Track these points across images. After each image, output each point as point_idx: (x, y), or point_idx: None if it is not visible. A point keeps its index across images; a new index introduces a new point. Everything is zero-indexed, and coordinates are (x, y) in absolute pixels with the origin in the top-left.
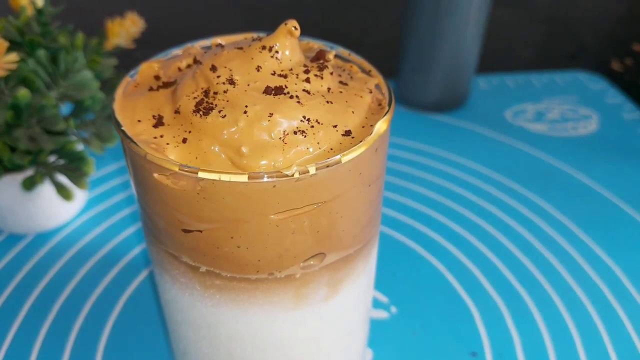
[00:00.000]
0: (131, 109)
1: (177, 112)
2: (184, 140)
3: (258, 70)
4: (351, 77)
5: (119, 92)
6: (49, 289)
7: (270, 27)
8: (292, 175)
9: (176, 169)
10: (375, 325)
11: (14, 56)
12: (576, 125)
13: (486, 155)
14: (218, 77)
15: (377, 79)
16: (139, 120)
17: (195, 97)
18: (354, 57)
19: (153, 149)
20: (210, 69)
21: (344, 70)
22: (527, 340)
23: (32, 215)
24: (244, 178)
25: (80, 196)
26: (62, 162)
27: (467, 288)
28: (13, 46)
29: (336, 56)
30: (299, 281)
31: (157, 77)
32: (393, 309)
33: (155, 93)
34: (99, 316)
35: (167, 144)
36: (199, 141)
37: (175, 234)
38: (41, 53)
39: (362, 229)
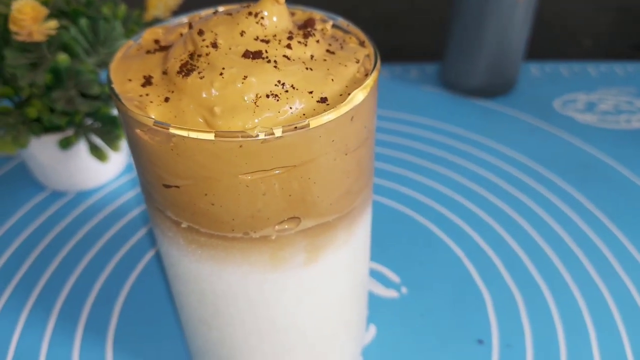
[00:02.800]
0: (125, 69)
1: (164, 73)
2: (166, 99)
3: (242, 35)
4: (341, 47)
5: (119, 54)
6: (82, 243)
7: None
8: (257, 136)
9: (151, 124)
10: (383, 304)
11: (53, 23)
12: (630, 118)
13: (526, 143)
14: (203, 40)
15: (369, 49)
16: (130, 80)
17: (181, 60)
18: (352, 28)
19: (135, 106)
20: (198, 33)
21: (337, 40)
22: (539, 335)
23: (73, 174)
24: (210, 136)
25: (120, 159)
26: (96, 124)
27: (484, 275)
28: (59, 14)
29: (335, 26)
30: (275, 243)
31: (157, 42)
32: (404, 289)
33: (152, 56)
34: (122, 273)
35: (151, 102)
36: (179, 101)
37: (159, 189)
38: (83, 22)
39: (340, 198)
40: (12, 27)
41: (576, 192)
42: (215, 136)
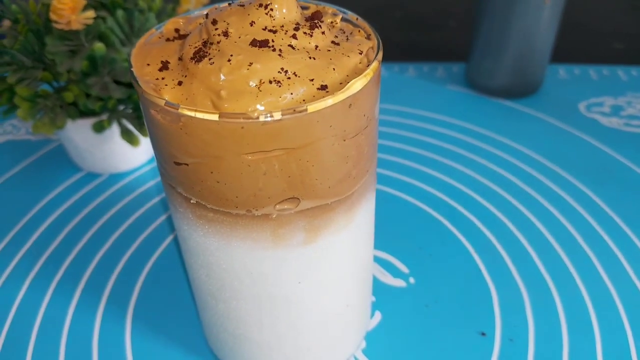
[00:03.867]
0: (145, 54)
1: (180, 59)
2: (180, 83)
3: (251, 25)
4: (347, 39)
5: (141, 41)
6: (112, 221)
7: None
8: (257, 118)
9: (162, 104)
10: (390, 292)
11: (90, 13)
12: None
13: (546, 144)
14: (216, 29)
15: (373, 42)
16: (148, 64)
17: (195, 47)
18: (361, 21)
19: (152, 88)
20: (212, 23)
21: (344, 32)
22: (542, 331)
23: (106, 157)
24: (215, 117)
25: (150, 145)
26: (128, 110)
27: (492, 271)
28: (98, 5)
29: (345, 20)
30: (275, 222)
31: (177, 31)
32: (411, 280)
33: (171, 43)
34: (146, 251)
35: (166, 85)
36: (191, 84)
37: (171, 167)
38: (120, 13)
39: (339, 182)
40: (53, 16)
41: (592, 193)
42: (219, 117)
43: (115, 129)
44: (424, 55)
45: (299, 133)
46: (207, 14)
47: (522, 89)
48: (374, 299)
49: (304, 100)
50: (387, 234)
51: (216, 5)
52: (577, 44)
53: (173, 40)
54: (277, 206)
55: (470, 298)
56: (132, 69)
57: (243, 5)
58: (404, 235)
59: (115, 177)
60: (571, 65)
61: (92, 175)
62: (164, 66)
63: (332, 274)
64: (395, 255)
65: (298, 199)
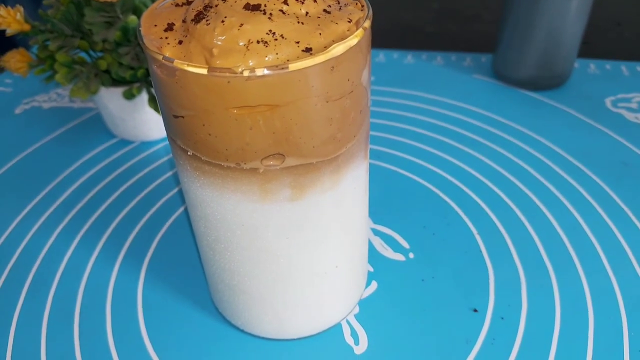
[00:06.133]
0: (155, 17)
1: (184, 21)
2: (180, 42)
3: None
4: (340, 9)
5: (154, 5)
6: (138, 184)
7: None
8: (241, 73)
9: (160, 59)
10: (389, 265)
11: None
12: None
13: (566, 136)
14: None
15: (365, 12)
16: (155, 25)
17: (197, 10)
18: None
19: (155, 46)
20: None
21: (339, 3)
22: (535, 313)
23: (137, 125)
24: (204, 71)
25: None
26: None
27: (493, 253)
28: None
29: None
30: (263, 176)
31: None
32: (411, 255)
33: (179, 8)
34: (166, 211)
35: (168, 44)
36: (189, 43)
37: (170, 120)
38: None
39: (324, 143)
40: None
41: (608, 187)
42: (207, 71)
43: (145, 100)
44: (456, 46)
45: (282, 90)
46: None
47: (547, 81)
48: (371, 269)
49: (287, 60)
50: (393, 211)
51: None
52: (612, 41)
53: (182, 6)
54: (264, 161)
55: (467, 277)
56: (139, 28)
57: None
58: (411, 213)
59: (146, 144)
60: (603, 60)
61: (124, 142)
62: (169, 27)
63: (317, 233)
64: (398, 231)
65: (283, 155)
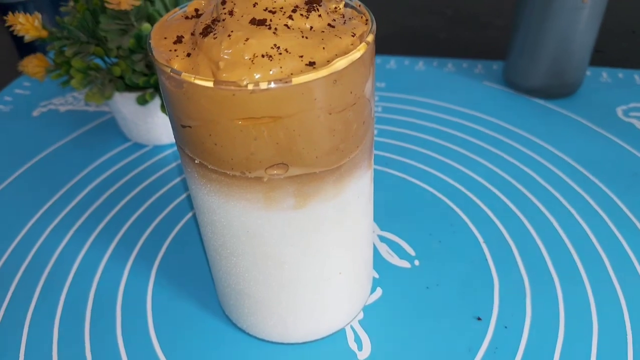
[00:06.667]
0: (165, 30)
1: (192, 34)
2: (188, 55)
3: (254, 6)
4: (344, 23)
5: (164, 18)
6: (150, 188)
7: None
8: (246, 87)
9: (168, 71)
10: (394, 271)
11: None
12: None
13: (576, 144)
14: (224, 9)
15: (369, 27)
16: (165, 38)
17: (206, 24)
18: (363, 8)
19: (164, 59)
20: (221, 3)
21: (344, 17)
22: (539, 323)
23: (150, 129)
24: (210, 84)
25: None
26: None
27: (499, 262)
28: None
29: (348, 6)
30: (267, 185)
31: (196, 10)
32: (416, 262)
33: (189, 21)
34: (177, 215)
35: (177, 56)
36: (197, 56)
37: (179, 129)
38: None
39: (326, 153)
40: None
41: (616, 197)
42: (213, 84)
43: (157, 105)
44: (468, 53)
45: (285, 103)
46: None
47: (558, 89)
48: (377, 275)
49: (291, 73)
50: (400, 218)
51: None
52: (629, 51)
53: (191, 19)
54: (268, 170)
55: (472, 285)
56: (149, 41)
57: None
58: (417, 220)
59: (158, 148)
60: (616, 69)
61: (138, 146)
62: (178, 40)
63: (321, 241)
64: (404, 238)
65: (287, 165)
